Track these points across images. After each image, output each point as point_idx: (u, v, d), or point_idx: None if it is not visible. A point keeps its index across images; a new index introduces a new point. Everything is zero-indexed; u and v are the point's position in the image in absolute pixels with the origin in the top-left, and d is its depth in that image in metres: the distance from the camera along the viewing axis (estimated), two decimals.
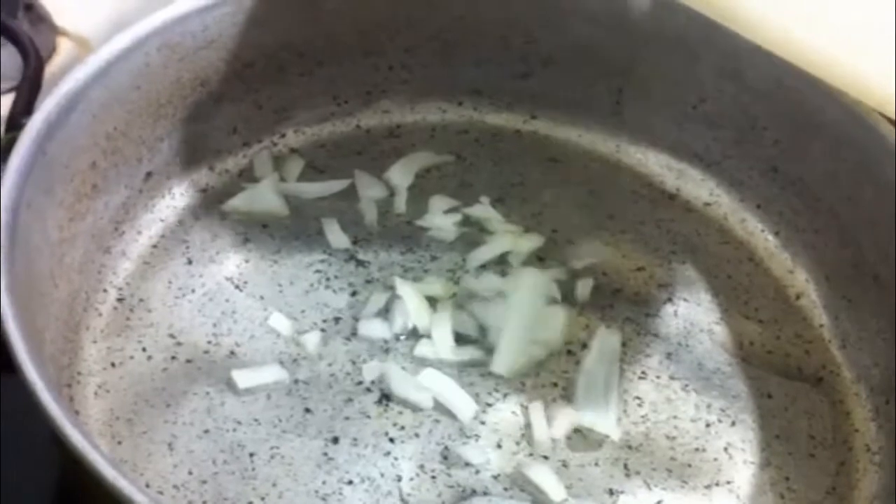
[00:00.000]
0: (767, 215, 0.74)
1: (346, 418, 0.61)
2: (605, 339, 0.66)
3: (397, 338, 0.65)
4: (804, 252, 0.72)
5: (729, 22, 0.55)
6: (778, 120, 0.72)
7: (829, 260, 0.71)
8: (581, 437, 0.62)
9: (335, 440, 0.61)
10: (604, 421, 0.63)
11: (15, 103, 0.74)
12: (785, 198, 0.73)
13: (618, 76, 0.76)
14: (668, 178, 0.77)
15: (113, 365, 0.63)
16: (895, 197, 0.64)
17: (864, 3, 0.52)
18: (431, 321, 0.65)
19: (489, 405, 0.63)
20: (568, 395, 0.64)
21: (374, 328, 0.65)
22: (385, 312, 0.66)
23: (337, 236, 0.70)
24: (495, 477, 0.60)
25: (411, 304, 0.65)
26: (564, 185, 0.76)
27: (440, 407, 0.62)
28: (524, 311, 0.66)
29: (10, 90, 0.76)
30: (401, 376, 0.63)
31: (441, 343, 0.64)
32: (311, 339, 0.64)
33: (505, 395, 0.64)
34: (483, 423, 0.62)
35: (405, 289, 0.66)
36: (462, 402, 0.62)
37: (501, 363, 0.64)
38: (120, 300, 0.66)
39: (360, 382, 0.63)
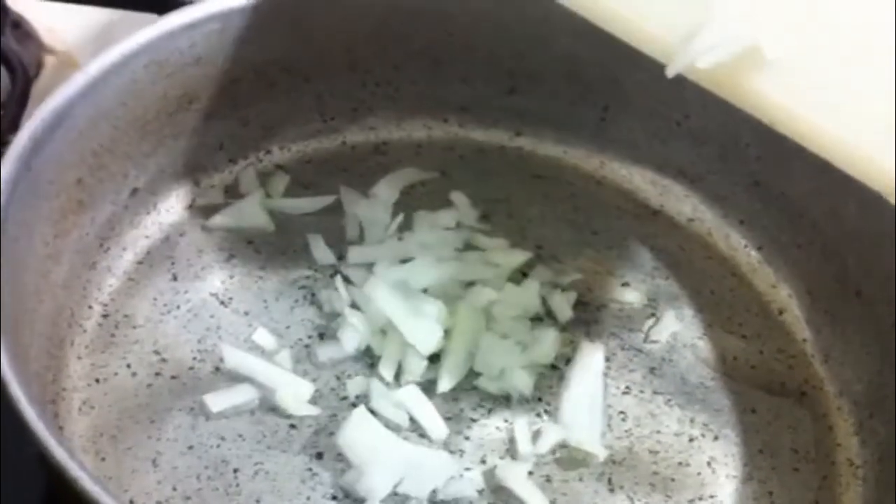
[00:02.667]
0: (751, 231, 0.75)
1: (331, 434, 0.61)
2: (589, 354, 0.66)
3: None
4: (787, 267, 0.73)
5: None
6: (761, 136, 0.71)
7: (812, 275, 0.71)
8: (566, 453, 0.63)
9: (319, 455, 0.61)
10: (589, 439, 0.63)
11: (1, 119, 0.75)
12: (768, 213, 0.74)
13: (603, 93, 0.76)
14: (652, 195, 0.77)
15: (97, 381, 0.63)
16: (879, 212, 0.64)
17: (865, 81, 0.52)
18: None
19: (473, 420, 0.63)
20: (552, 411, 0.64)
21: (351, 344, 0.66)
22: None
23: (322, 252, 0.70)
24: (479, 492, 0.60)
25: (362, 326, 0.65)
26: (549, 201, 0.76)
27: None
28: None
29: None
30: (380, 393, 0.63)
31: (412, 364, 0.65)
32: (286, 358, 0.65)
33: (489, 411, 0.64)
34: (468, 438, 0.63)
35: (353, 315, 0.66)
36: (433, 424, 0.62)
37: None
38: (105, 316, 0.66)
39: (345, 398, 0.64)
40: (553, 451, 0.62)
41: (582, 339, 0.68)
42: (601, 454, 0.62)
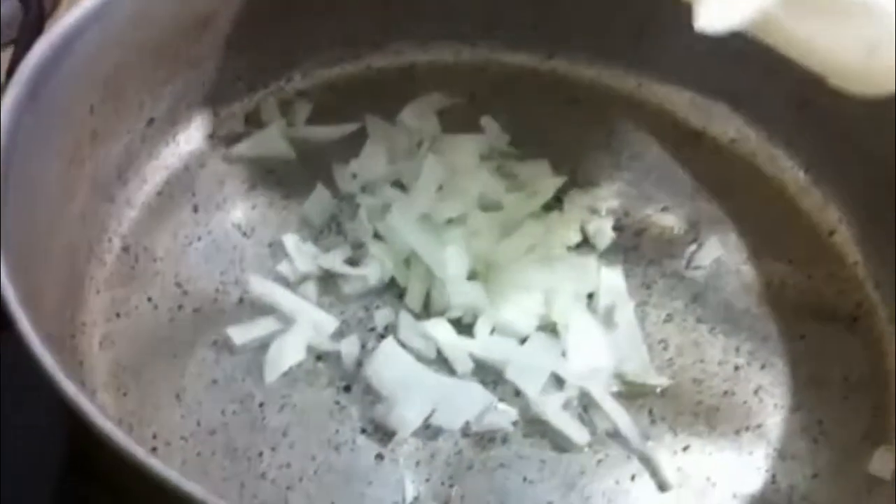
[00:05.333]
0: (797, 151, 0.71)
1: (359, 366, 0.59)
2: (609, 279, 0.63)
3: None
4: (836, 187, 0.69)
5: None
6: None
7: (862, 195, 0.67)
8: (613, 385, 0.60)
9: (347, 388, 0.59)
10: (643, 369, 0.60)
11: (15, 53, 0.73)
12: (815, 132, 0.70)
13: (639, 9, 0.72)
14: (693, 116, 0.74)
15: (118, 315, 0.61)
16: None
17: None
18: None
19: (507, 351, 0.60)
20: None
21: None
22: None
23: (346, 181, 0.67)
24: (514, 424, 0.58)
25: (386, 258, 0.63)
26: (584, 125, 0.73)
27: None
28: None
29: (10, 42, 0.75)
30: (408, 324, 0.60)
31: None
32: (311, 289, 0.62)
33: (523, 342, 0.61)
34: (502, 369, 0.60)
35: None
36: (457, 356, 0.59)
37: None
38: (124, 249, 0.64)
39: (373, 329, 0.61)
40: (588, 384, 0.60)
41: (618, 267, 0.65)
42: (660, 383, 0.60)
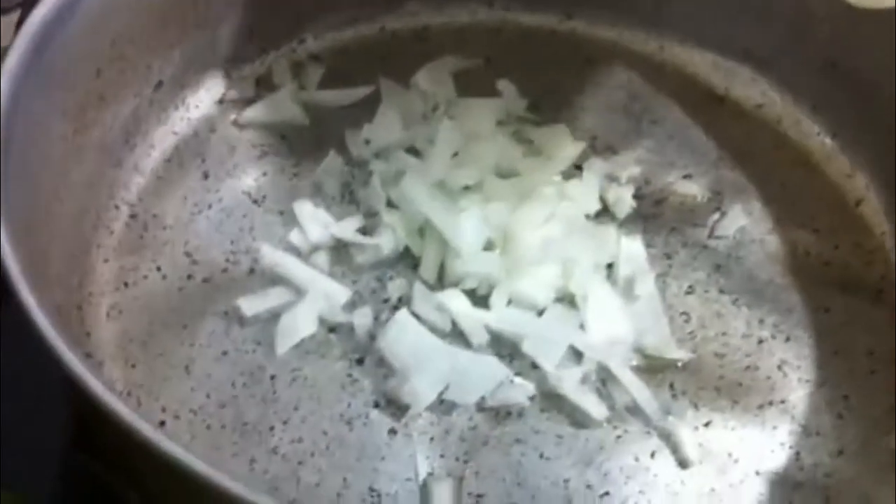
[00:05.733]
0: (824, 116, 0.69)
1: (372, 338, 0.58)
2: (628, 249, 0.62)
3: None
4: (864, 154, 0.67)
5: None
6: (836, 11, 0.65)
7: (891, 162, 0.65)
8: (634, 359, 0.58)
9: (360, 361, 0.57)
10: (664, 344, 0.58)
11: (21, 14, 0.71)
12: (843, 97, 0.68)
13: None
14: (717, 79, 0.72)
15: (126, 285, 0.60)
16: None
17: None
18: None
19: (524, 324, 0.59)
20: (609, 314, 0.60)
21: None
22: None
23: (360, 147, 0.66)
24: (531, 398, 0.56)
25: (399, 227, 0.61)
26: (604, 88, 0.71)
27: None
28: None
29: (17, 5, 0.73)
30: (422, 295, 0.59)
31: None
32: (323, 259, 0.61)
33: (540, 314, 0.59)
34: (518, 342, 0.58)
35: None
36: (473, 328, 0.58)
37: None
38: (133, 217, 0.63)
39: (387, 300, 0.60)
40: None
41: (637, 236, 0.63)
42: (681, 357, 0.58)
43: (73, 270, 0.58)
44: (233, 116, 0.67)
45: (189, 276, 0.60)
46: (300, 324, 0.57)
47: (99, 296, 0.59)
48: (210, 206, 0.63)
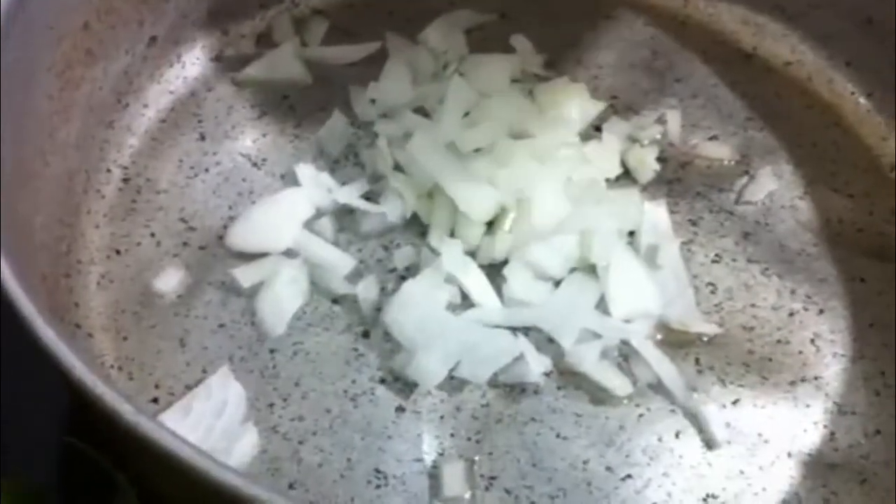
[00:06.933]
0: (859, 74, 0.65)
1: (378, 310, 0.54)
2: (651, 216, 0.58)
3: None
4: None
5: None
6: None
7: None
8: (658, 331, 0.55)
9: (366, 334, 0.54)
10: (690, 316, 0.55)
11: None
12: (879, 53, 0.64)
13: None
14: (744, 35, 0.68)
15: (118, 252, 0.56)
16: None
17: None
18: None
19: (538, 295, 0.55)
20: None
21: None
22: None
23: (365, 107, 0.62)
24: (547, 374, 0.53)
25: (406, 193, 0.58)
26: (625, 45, 0.67)
27: None
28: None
29: None
30: (430, 264, 0.55)
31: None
32: (327, 226, 0.57)
33: (557, 285, 0.56)
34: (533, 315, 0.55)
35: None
36: (485, 301, 0.54)
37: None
38: (125, 181, 0.59)
39: (393, 269, 0.56)
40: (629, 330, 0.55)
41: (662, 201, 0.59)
42: (707, 330, 0.55)
43: (61, 237, 0.55)
44: (231, 75, 0.64)
45: (184, 244, 0.57)
46: (283, 298, 0.54)
47: (89, 264, 0.56)
48: (207, 170, 0.60)
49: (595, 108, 0.62)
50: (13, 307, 0.39)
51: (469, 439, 0.51)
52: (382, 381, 0.53)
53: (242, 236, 0.56)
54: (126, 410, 0.36)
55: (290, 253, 0.56)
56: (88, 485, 0.51)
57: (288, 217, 0.57)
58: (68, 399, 0.52)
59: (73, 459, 0.51)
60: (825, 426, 0.53)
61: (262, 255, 0.56)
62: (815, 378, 0.54)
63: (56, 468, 0.52)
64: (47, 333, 0.37)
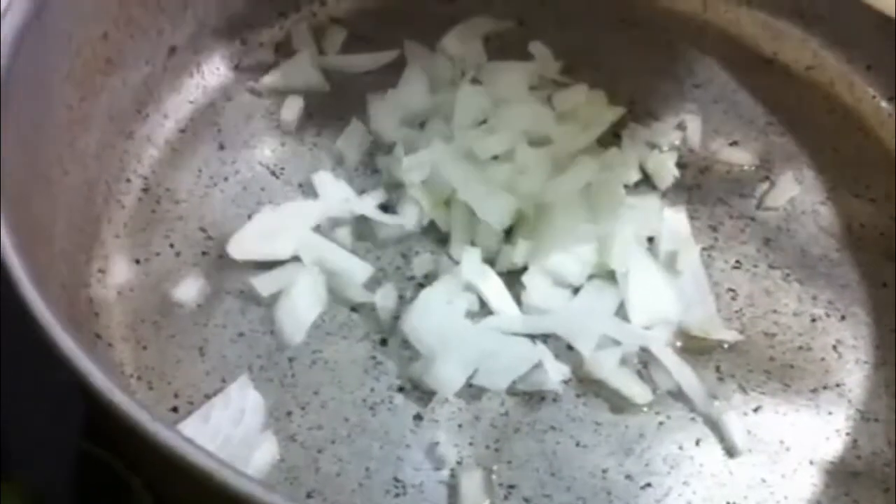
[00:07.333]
0: (880, 78, 0.65)
1: (396, 318, 0.54)
2: (673, 221, 0.58)
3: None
4: None
5: None
6: None
7: None
8: (678, 338, 0.55)
9: (384, 342, 0.54)
10: (710, 322, 0.55)
11: None
12: None
13: None
14: (764, 40, 0.68)
15: (137, 262, 0.57)
16: None
17: None
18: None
19: (557, 304, 0.55)
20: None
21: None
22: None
23: (383, 115, 0.62)
24: (566, 382, 0.53)
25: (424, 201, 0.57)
26: (643, 50, 0.67)
27: None
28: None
29: None
30: (449, 272, 0.55)
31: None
32: (346, 234, 0.57)
33: (576, 292, 0.55)
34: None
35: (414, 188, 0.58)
36: (503, 308, 0.54)
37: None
38: (145, 190, 0.59)
39: (412, 277, 0.56)
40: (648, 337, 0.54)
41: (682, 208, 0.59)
42: (728, 337, 0.54)
43: (81, 246, 0.55)
44: (250, 84, 0.64)
45: (204, 253, 0.57)
46: (300, 307, 0.54)
47: (109, 274, 0.56)
48: (226, 179, 0.60)
49: (614, 114, 0.62)
50: (30, 313, 0.39)
51: (488, 448, 0.51)
52: (401, 389, 0.52)
53: (241, 247, 0.56)
54: (144, 419, 0.36)
55: (299, 260, 0.56)
56: (104, 490, 0.51)
57: (289, 226, 0.57)
58: (83, 405, 0.53)
59: (89, 464, 0.51)
60: (848, 434, 0.52)
61: (280, 263, 0.56)
62: (838, 385, 0.54)
63: (70, 472, 0.52)
64: (65, 341, 0.38)
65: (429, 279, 0.55)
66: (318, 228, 0.57)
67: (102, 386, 0.37)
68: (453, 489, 0.49)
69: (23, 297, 0.39)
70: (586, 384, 0.53)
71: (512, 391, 0.52)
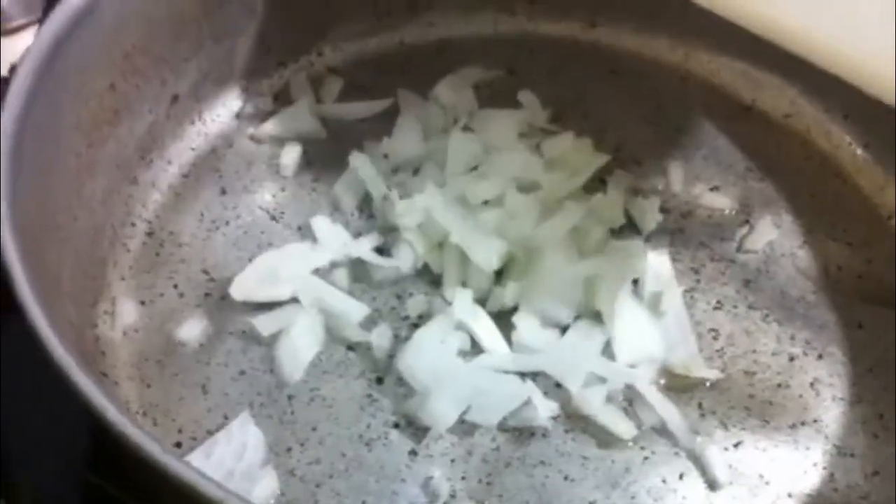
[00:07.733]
0: (856, 126, 0.67)
1: (391, 357, 0.56)
2: (656, 263, 0.60)
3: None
4: None
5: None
6: None
7: None
8: (659, 377, 0.57)
9: (380, 380, 0.56)
10: (692, 360, 0.57)
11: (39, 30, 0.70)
12: (877, 105, 0.64)
13: None
14: (744, 88, 0.70)
15: (142, 303, 0.59)
16: None
17: None
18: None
19: (546, 343, 0.57)
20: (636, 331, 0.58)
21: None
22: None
23: (379, 161, 0.64)
24: (554, 418, 0.55)
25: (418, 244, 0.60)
26: (628, 98, 0.69)
27: None
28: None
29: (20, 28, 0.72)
30: (442, 313, 0.57)
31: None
32: (343, 276, 0.59)
33: (563, 331, 0.58)
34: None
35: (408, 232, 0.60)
36: (495, 347, 0.56)
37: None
38: (149, 234, 0.62)
39: (406, 317, 0.58)
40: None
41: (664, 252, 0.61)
42: (710, 375, 0.56)
43: (88, 288, 0.57)
44: (250, 131, 0.66)
45: (206, 294, 0.59)
46: (299, 347, 0.56)
47: (115, 314, 0.58)
48: (227, 223, 0.62)
49: (599, 160, 0.64)
50: (48, 356, 0.41)
51: (480, 482, 0.53)
52: (396, 425, 0.54)
53: (242, 288, 0.58)
54: (155, 451, 0.38)
55: (297, 302, 0.58)
56: None
57: (288, 268, 0.59)
58: (89, 439, 0.54)
59: (96, 498, 0.53)
60: (825, 468, 0.54)
61: (280, 304, 0.58)
62: (815, 421, 0.56)
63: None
64: (81, 379, 0.40)
65: (423, 319, 0.58)
66: (316, 271, 0.59)
67: (116, 421, 0.39)
68: None
69: (41, 341, 0.41)
70: (574, 420, 0.55)
71: (503, 427, 0.54)
